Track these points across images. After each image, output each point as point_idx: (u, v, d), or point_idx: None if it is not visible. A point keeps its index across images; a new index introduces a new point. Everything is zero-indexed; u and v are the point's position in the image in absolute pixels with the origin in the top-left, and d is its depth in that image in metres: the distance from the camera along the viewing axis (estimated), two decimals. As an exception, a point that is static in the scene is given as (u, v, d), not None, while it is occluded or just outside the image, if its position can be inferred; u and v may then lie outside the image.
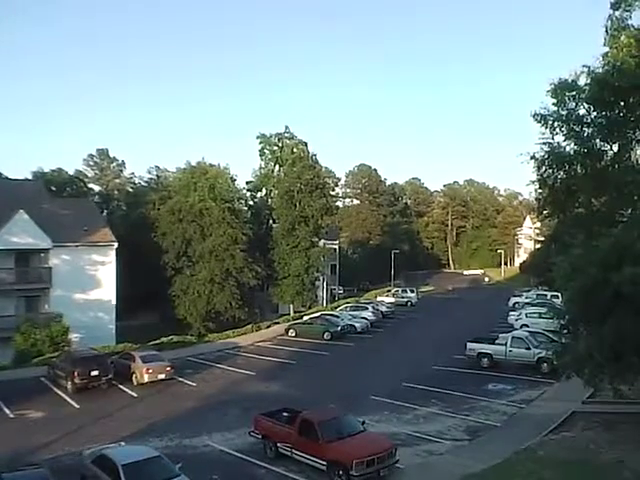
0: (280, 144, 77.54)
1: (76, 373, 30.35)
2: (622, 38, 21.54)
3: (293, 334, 49.32)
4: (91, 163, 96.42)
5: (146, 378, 31.88)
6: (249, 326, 53.41)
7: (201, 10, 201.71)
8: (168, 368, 33.05)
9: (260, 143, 78.67)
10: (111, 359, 33.82)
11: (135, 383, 31.95)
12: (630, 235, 17.97)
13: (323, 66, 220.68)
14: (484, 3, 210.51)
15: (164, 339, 44.34)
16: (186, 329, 55.47)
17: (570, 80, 22.03)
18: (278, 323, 56.58)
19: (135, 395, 30.33)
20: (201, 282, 59.68)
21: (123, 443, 19.88)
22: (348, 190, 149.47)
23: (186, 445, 22.54)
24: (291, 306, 68.77)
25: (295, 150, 74.67)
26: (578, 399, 25.70)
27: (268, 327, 54.62)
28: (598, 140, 22.08)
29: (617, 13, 21.84)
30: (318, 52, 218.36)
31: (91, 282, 47.43)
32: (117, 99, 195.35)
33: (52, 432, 23.80)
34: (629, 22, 21.89)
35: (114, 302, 48.67)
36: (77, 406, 28.28)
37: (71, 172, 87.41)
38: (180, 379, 33.56)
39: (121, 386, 31.68)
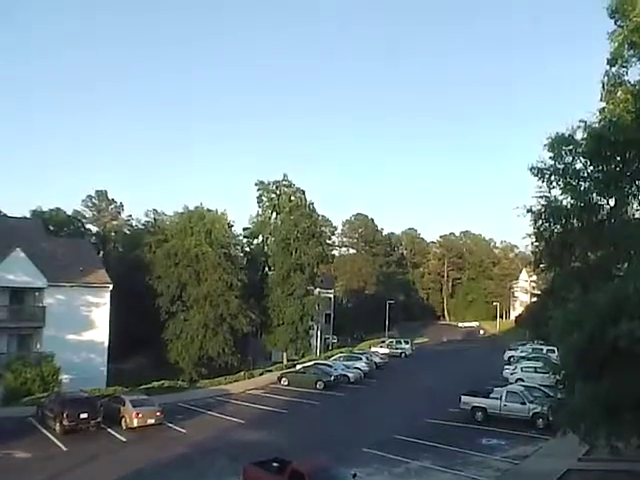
0: (278, 192, 77.81)
1: (65, 415, 29.93)
2: (619, 94, 21.99)
3: (285, 382, 48.89)
4: (89, 204, 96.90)
5: (135, 422, 31.44)
6: (241, 373, 53.06)
7: (200, 53, 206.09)
8: (158, 413, 32.63)
9: (258, 190, 78.96)
10: (101, 402, 33.32)
11: (124, 427, 31.48)
12: (627, 289, 17.97)
13: (322, 115, 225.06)
14: (484, 59, 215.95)
15: (155, 383, 43.91)
16: (178, 374, 54.94)
17: (567, 134, 22.36)
18: (271, 371, 56.13)
19: (124, 439, 29.83)
20: (194, 327, 59.36)
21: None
22: (344, 239, 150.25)
23: (173, 493, 22.12)
24: (284, 354, 68.24)
25: (293, 198, 75.02)
26: (574, 456, 25.26)
27: (261, 375, 54.22)
28: (595, 194, 22.27)
29: (614, 69, 22.31)
30: (317, 102, 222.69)
31: (84, 323, 47.08)
32: (117, 142, 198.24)
33: (37, 473, 23.50)
34: (625, 78, 22.36)
35: (106, 344, 48.35)
36: (64, 448, 27.78)
37: (69, 212, 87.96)
38: (170, 425, 33.00)
39: (110, 430, 31.15)
